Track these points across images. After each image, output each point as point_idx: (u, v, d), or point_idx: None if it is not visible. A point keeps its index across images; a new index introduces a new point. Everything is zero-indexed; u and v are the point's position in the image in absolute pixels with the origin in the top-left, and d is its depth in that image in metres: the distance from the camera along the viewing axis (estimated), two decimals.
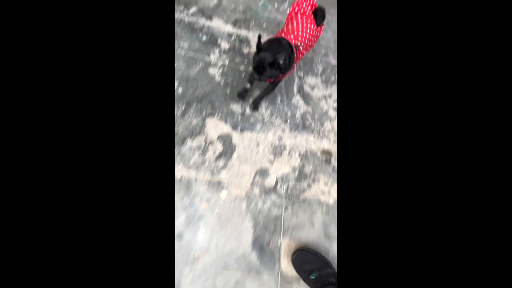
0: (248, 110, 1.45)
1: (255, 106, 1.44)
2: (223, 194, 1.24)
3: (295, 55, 1.21)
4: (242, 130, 1.40)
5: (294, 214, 1.28)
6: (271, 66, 1.14)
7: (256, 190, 1.29)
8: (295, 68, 1.51)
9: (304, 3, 1.30)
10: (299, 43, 1.23)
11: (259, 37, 1.10)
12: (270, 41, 1.20)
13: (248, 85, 1.43)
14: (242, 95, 1.44)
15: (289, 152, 1.42)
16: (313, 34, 1.28)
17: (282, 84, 1.56)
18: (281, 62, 1.11)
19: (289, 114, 1.50)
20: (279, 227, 1.24)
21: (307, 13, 1.30)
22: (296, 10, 1.32)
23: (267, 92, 1.43)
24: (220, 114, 1.41)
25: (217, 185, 1.25)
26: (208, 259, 1.11)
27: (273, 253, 1.18)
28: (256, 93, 1.50)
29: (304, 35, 1.25)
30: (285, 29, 1.29)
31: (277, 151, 1.41)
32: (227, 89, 1.49)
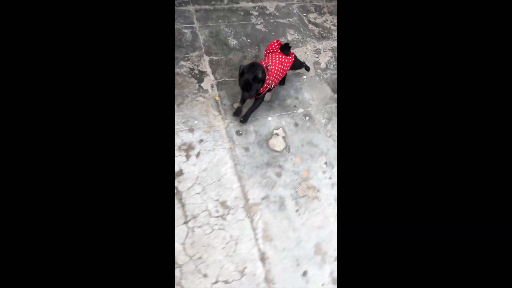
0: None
1: (245, 120, 1.82)
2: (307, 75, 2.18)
3: (266, 72, 1.69)
4: None
5: None
6: (254, 81, 1.57)
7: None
8: (275, 85, 1.85)
9: (273, 45, 1.85)
10: (269, 65, 1.72)
11: (240, 67, 1.62)
12: (247, 66, 1.65)
13: (240, 105, 1.84)
14: (237, 113, 1.84)
15: None
16: (282, 61, 1.79)
17: None
18: (260, 76, 1.55)
19: None
20: None
21: (275, 51, 1.84)
22: (268, 51, 1.87)
23: (255, 107, 1.83)
24: None
25: (299, 74, 2.18)
26: (314, 106, 2.03)
27: None
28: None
29: (273, 62, 1.76)
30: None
31: None
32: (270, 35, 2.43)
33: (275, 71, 1.75)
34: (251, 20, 2.50)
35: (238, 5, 2.61)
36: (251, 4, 2.64)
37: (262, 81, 1.60)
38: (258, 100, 1.81)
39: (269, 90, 1.79)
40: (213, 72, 2.10)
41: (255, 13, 2.57)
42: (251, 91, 1.59)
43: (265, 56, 1.85)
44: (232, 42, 2.32)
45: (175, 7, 2.46)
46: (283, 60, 1.80)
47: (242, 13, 2.54)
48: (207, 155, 1.69)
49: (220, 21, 2.44)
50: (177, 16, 2.40)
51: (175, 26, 2.33)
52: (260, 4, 2.65)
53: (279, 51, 1.83)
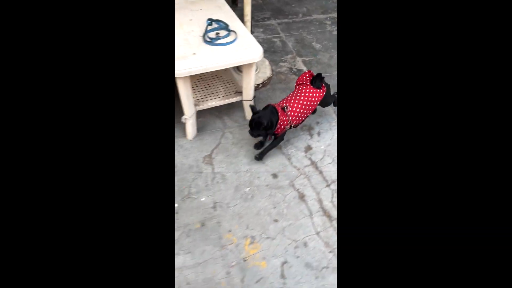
0: None
1: (260, 158, 1.69)
2: None
3: (280, 117, 1.55)
4: None
5: None
6: (258, 126, 1.51)
7: None
8: (298, 123, 1.68)
9: (304, 77, 1.71)
10: (286, 106, 1.59)
11: (251, 106, 1.57)
12: (263, 108, 1.59)
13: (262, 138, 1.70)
14: (257, 146, 1.71)
15: None
16: (310, 96, 1.64)
17: None
18: (264, 125, 1.48)
19: None
20: None
21: (305, 83, 1.69)
22: (298, 83, 1.74)
23: (271, 147, 1.70)
24: None
25: None
26: None
27: None
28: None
29: (299, 98, 1.63)
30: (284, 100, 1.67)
31: None
32: None
33: (299, 109, 1.63)
34: (326, 28, 2.81)
35: (312, 17, 2.95)
36: (322, 16, 2.98)
37: (266, 129, 1.53)
38: (277, 140, 1.69)
39: (290, 128, 1.68)
40: (309, 70, 2.36)
41: (328, 22, 2.89)
42: (254, 133, 1.57)
43: (295, 87, 1.76)
44: (317, 45, 2.61)
45: (260, 22, 2.84)
46: (310, 95, 1.65)
47: (317, 23, 2.87)
48: (327, 134, 1.88)
49: (300, 30, 2.76)
50: (264, 29, 2.75)
51: (265, 36, 2.67)
52: (330, 15, 2.99)
53: (309, 84, 1.69)
